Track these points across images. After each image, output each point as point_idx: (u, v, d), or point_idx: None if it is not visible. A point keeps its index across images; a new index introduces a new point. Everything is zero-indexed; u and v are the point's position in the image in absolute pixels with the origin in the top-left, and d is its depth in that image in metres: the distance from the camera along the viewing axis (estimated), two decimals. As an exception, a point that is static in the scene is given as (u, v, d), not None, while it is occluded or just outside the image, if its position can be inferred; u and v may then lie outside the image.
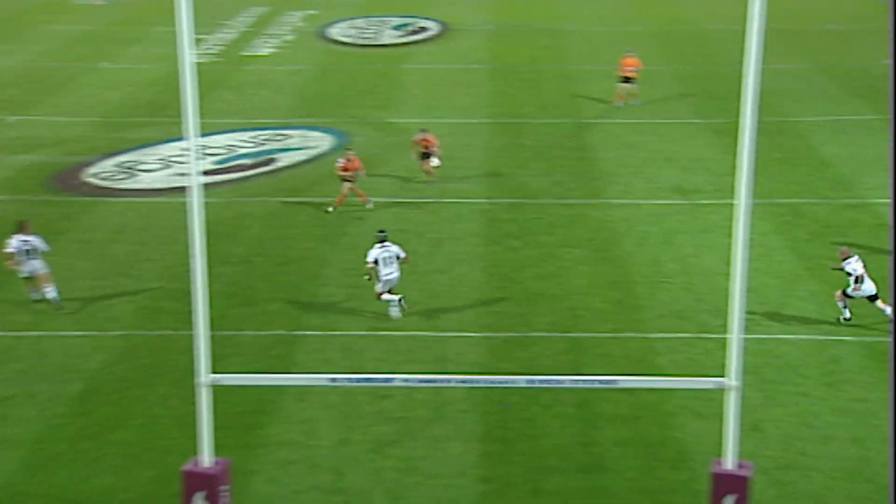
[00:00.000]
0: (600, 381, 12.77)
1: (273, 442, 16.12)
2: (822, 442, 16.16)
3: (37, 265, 20.47)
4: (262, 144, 31.26)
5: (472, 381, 13.73)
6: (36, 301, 20.42)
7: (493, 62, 40.74)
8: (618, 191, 27.12)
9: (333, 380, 13.02)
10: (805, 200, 24.50)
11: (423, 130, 27.35)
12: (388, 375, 16.85)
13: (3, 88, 36.95)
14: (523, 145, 30.85)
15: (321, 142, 31.50)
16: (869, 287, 19.56)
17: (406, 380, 13.76)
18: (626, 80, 35.08)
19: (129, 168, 29.13)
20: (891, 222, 18.90)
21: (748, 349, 18.10)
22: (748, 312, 18.50)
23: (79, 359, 18.56)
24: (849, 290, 19.62)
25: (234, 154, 30.23)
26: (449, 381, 14.98)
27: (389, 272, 19.89)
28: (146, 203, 26.44)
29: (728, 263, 20.82)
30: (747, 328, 17.68)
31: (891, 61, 9.14)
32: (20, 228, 20.62)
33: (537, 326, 19.91)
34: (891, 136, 23.20)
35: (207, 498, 11.92)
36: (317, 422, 16.64)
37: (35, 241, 20.56)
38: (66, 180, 28.08)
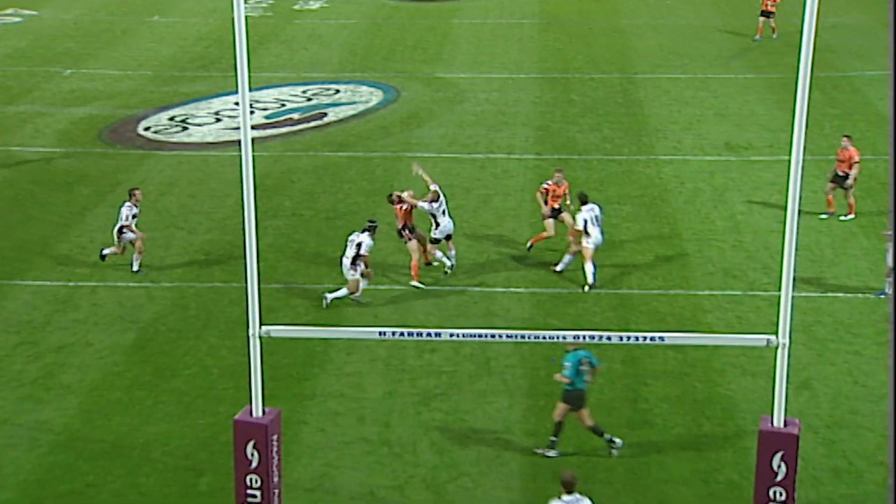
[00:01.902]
0: (648, 338, 12.72)
1: (321, 393, 16.35)
2: (874, 401, 16.03)
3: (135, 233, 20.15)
4: (312, 99, 31.34)
5: (520, 336, 13.75)
6: (136, 272, 20.04)
7: (543, 16, 40.31)
8: (668, 147, 26.84)
9: (382, 333, 13.11)
10: (861, 157, 23.95)
11: (558, 171, 21.41)
12: (436, 330, 16.96)
13: (59, 41, 37.36)
14: (572, 100, 30.59)
15: (370, 96, 31.50)
16: None
17: (453, 334, 13.81)
18: (766, 14, 34.69)
19: (181, 122, 29.39)
20: (891, 222, 18.57)
21: (799, 307, 17.94)
22: (799, 270, 18.30)
23: (133, 309, 18.91)
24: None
25: (283, 108, 30.35)
26: (496, 335, 15.02)
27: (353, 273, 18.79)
28: (197, 156, 26.69)
29: (779, 221, 20.63)
30: (798, 286, 17.51)
31: (891, 61, 8.92)
32: (131, 196, 20.41)
33: (585, 282, 19.86)
34: (891, 135, 22.71)
35: (258, 446, 12.13)
36: (364, 374, 16.83)
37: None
38: (120, 133, 28.41)
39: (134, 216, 20.21)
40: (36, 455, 14.77)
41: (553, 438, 14.77)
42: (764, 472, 11.87)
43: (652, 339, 12.71)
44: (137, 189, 20.77)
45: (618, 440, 14.79)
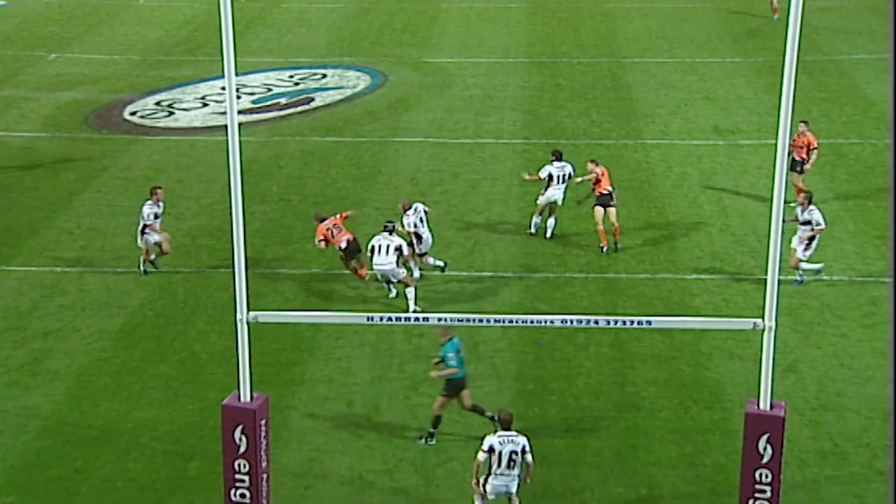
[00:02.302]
0: (635, 322, 12.76)
1: (310, 378, 16.36)
2: (859, 383, 16.13)
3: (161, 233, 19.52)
4: (299, 83, 31.24)
5: (507, 321, 13.79)
6: (147, 273, 19.37)
7: (531, 0, 40.22)
8: (655, 131, 26.86)
9: (370, 318, 13.12)
10: (848, 141, 24.11)
11: (592, 161, 20.86)
12: (424, 314, 16.98)
13: (43, 24, 37.11)
14: (560, 85, 30.57)
15: (358, 81, 31.41)
16: None
17: (441, 319, 13.83)
18: None
19: (168, 106, 29.26)
20: (891, 222, 18.62)
21: (785, 291, 18.02)
22: (786, 254, 18.37)
23: (121, 295, 18.86)
24: None
25: (270, 93, 30.24)
26: (484, 320, 15.03)
27: (382, 262, 18.11)
28: (184, 141, 26.59)
29: (766, 205, 20.67)
30: (785, 269, 17.58)
31: (891, 61, 8.93)
32: (152, 195, 19.52)
33: (573, 267, 19.92)
34: (890, 136, 22.82)
35: (246, 431, 12.14)
36: (353, 359, 16.85)
37: (157, 209, 19.44)
38: (106, 118, 28.27)
39: (156, 216, 19.36)
40: (23, 441, 14.75)
41: (432, 430, 14.73)
42: (750, 454, 11.94)
43: (639, 322, 12.74)
44: (159, 188, 19.72)
45: (432, 441, 14.72)
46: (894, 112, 9.83)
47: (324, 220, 19.07)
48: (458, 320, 13.38)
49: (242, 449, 12.19)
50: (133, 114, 28.63)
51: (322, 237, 18.86)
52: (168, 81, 31.22)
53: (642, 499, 13.82)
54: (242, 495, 12.31)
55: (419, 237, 19.10)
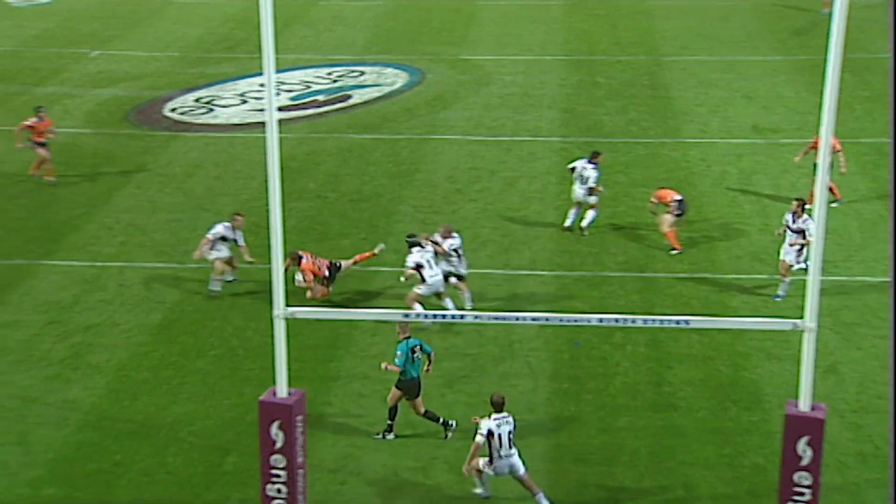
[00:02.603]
0: (673, 321, 12.66)
1: (346, 375, 16.41)
2: (899, 386, 15.90)
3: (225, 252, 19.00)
4: (337, 81, 31.34)
5: (543, 319, 13.74)
6: (213, 292, 18.73)
7: (570, -3, 40.07)
8: (694, 130, 26.65)
9: (406, 315, 13.13)
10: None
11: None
12: (460, 312, 16.98)
13: (86, 22, 37.51)
14: (598, 83, 30.42)
15: (395, 78, 31.46)
16: None
17: (477, 316, 13.81)
18: None
19: (207, 103, 29.48)
20: (890, 224, 18.31)
21: (826, 291, 17.79)
22: (827, 254, 18.15)
23: (159, 290, 19.03)
24: None
25: (309, 90, 30.37)
26: (520, 318, 14.99)
27: (434, 273, 17.49)
28: (223, 138, 26.78)
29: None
30: (826, 270, 17.37)
31: (891, 61, 8.78)
32: (232, 219, 19.08)
33: (610, 266, 19.82)
34: (891, 136, 22.42)
35: (283, 427, 12.20)
36: (388, 357, 16.83)
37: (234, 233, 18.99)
38: (146, 114, 28.54)
39: (223, 238, 18.81)
40: (64, 434, 14.93)
41: (389, 422, 14.79)
42: (789, 456, 11.81)
43: (677, 322, 12.64)
44: (240, 215, 19.21)
45: (452, 422, 14.75)
46: (894, 111, 9.62)
47: (300, 258, 18.32)
48: (494, 318, 13.37)
49: (279, 444, 12.25)
50: (173, 110, 28.87)
51: (311, 274, 18.34)
52: (208, 78, 31.45)
53: (679, 499, 13.73)
54: (279, 490, 12.38)
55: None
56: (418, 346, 14.70)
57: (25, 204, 22.57)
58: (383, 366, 14.85)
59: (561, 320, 13.41)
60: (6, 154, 25.14)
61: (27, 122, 23.54)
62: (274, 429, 12.24)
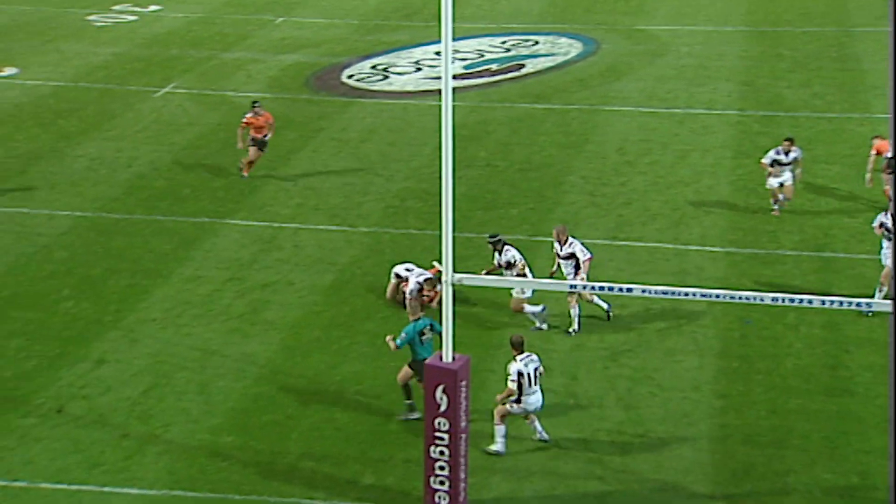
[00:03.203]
0: (854, 303, 12.15)
1: (509, 343, 16.49)
2: None
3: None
4: (511, 50, 31.33)
5: (714, 296, 13.43)
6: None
7: (754, -35, 38.64)
8: (886, 105, 25.33)
9: (572, 287, 13.10)
10: None
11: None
12: (627, 285, 16.78)
13: (269, -9, 38.81)
14: (781, 55, 29.30)
15: (570, 48, 31.19)
16: None
17: (645, 290, 13.61)
18: None
19: (383, 70, 30.03)
20: (891, 222, 16.76)
21: None
22: None
23: (332, 252, 19.62)
24: None
25: (482, 59, 30.49)
26: (689, 293, 14.71)
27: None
28: (397, 105, 27.25)
29: None
30: None
31: (891, 60, 8.00)
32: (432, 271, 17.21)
33: (786, 244, 19.17)
34: (891, 135, 20.41)
35: (447, 391, 12.42)
36: (552, 327, 16.87)
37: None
38: (325, 80, 29.34)
39: (419, 290, 16.93)
40: (242, 386, 15.66)
41: (407, 402, 14.56)
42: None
43: (858, 304, 12.15)
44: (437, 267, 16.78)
45: (415, 415, 14.29)
46: (894, 111, 8.68)
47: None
48: (663, 293, 13.14)
49: (443, 408, 12.49)
50: (350, 77, 29.56)
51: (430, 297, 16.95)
52: (384, 46, 32.03)
53: (853, 487, 13.25)
54: (441, 452, 12.63)
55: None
56: (428, 327, 14.30)
57: (211, 165, 23.64)
58: (388, 339, 14.68)
59: (732, 297, 13.06)
60: (196, 117, 26.38)
61: (245, 119, 22.50)
62: (439, 392, 12.48)
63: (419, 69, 29.90)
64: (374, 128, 25.72)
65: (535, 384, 13.70)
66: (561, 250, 16.81)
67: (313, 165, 23.59)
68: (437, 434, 12.61)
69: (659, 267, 18.57)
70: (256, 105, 22.72)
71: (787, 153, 20.01)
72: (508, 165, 23.24)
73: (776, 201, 20.23)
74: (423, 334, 14.54)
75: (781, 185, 20.06)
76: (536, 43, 31.88)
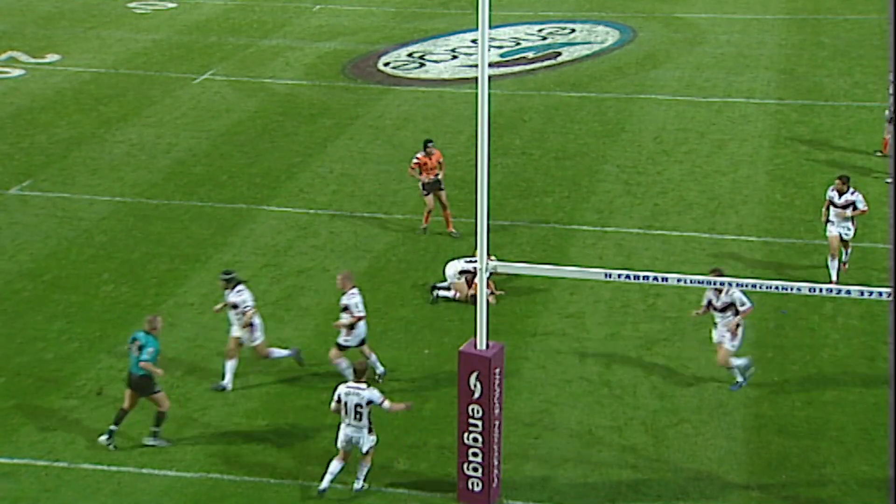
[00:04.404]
0: (892, 294, 12.04)
1: (543, 331, 16.55)
2: None
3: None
4: (547, 38, 31.23)
5: (750, 286, 13.36)
6: None
7: (794, -48, 38.21)
8: (926, 94, 25.01)
9: (608, 275, 13.09)
10: None
11: None
12: (663, 274, 16.73)
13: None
14: (822, 43, 28.98)
15: (606, 36, 31.04)
16: None
17: (680, 279, 13.58)
18: None
19: (419, 58, 30.06)
20: (891, 222, 16.34)
21: None
22: None
23: (367, 239, 19.72)
24: None
25: (518, 47, 30.43)
26: (724, 283, 14.64)
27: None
28: (433, 92, 27.28)
29: None
30: None
31: (891, 61, 7.86)
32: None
33: (823, 234, 18.98)
34: (891, 134, 19.93)
35: (481, 378, 12.48)
36: (587, 315, 16.89)
37: None
38: (361, 68, 29.42)
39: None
40: (277, 370, 15.74)
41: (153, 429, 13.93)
42: None
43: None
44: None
45: (151, 438, 13.87)
46: (894, 110, 8.62)
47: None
48: (698, 282, 13.10)
49: (477, 395, 12.55)
50: (386, 64, 29.62)
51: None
52: (421, 34, 32.05)
53: (890, 479, 13.15)
54: (475, 439, 12.70)
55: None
56: (138, 341, 13.66)
57: (249, 151, 23.81)
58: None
59: (768, 287, 12.98)
60: (233, 103, 26.57)
61: (415, 159, 19.33)
62: (472, 379, 12.54)
63: (455, 57, 29.90)
64: (410, 115, 25.78)
65: (351, 418, 12.82)
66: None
67: (349, 153, 23.70)
68: (472, 421, 12.68)
69: (694, 256, 18.50)
70: (430, 144, 19.50)
71: (840, 194, 16.89)
72: (543, 154, 23.22)
73: (833, 257, 16.91)
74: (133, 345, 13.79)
75: (842, 238, 16.93)
76: (573, 31, 31.75)
